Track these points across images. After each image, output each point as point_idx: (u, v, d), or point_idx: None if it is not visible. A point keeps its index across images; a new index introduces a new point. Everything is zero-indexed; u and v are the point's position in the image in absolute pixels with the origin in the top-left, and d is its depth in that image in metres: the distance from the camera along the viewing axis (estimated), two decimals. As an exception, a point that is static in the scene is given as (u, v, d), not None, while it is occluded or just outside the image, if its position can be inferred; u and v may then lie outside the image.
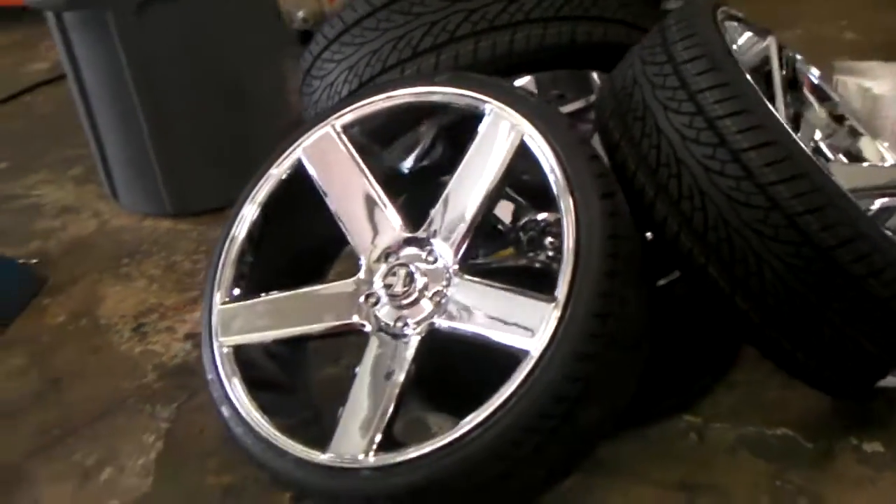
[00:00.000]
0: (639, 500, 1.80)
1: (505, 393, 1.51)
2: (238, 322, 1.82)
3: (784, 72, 1.97)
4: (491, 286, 1.66)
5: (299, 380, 1.91)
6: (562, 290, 1.54)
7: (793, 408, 1.85)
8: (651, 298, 1.67)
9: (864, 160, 2.10)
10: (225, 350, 1.79)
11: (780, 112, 1.74)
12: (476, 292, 1.67)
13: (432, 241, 1.75)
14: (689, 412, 1.95)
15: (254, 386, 1.76)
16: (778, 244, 1.55)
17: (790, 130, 1.57)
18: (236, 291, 1.86)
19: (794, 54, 2.09)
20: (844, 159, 2.05)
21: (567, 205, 1.61)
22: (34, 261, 2.61)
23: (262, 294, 1.85)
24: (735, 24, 1.91)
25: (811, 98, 2.13)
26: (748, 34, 1.96)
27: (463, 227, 1.72)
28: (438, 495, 1.57)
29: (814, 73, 2.14)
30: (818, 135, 2.10)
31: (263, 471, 1.67)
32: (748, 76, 1.60)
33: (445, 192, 1.75)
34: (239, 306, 1.84)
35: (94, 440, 2.07)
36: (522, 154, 1.69)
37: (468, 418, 1.52)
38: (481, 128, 1.74)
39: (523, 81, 2.12)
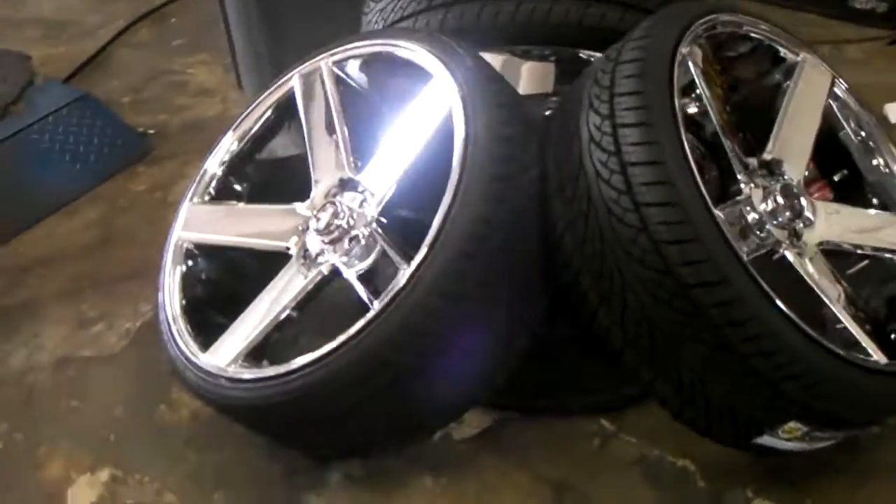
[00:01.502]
0: (512, 485, 1.80)
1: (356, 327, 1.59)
2: (199, 222, 1.97)
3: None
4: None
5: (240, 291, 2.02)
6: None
7: (707, 444, 1.76)
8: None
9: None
10: (179, 242, 1.95)
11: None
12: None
13: (364, 188, 1.81)
14: (608, 417, 1.90)
15: (191, 282, 1.92)
16: (643, 269, 1.49)
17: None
18: (209, 195, 2.01)
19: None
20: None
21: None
22: (151, 132, 2.87)
23: (231, 202, 2.00)
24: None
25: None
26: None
27: (386, 183, 1.77)
28: (268, 417, 1.69)
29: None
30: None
31: (166, 354, 1.83)
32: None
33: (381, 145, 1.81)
34: (205, 208, 1.99)
35: (106, 297, 2.31)
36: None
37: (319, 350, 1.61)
38: (425, 90, 1.77)
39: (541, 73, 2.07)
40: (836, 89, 1.90)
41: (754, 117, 1.85)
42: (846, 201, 1.86)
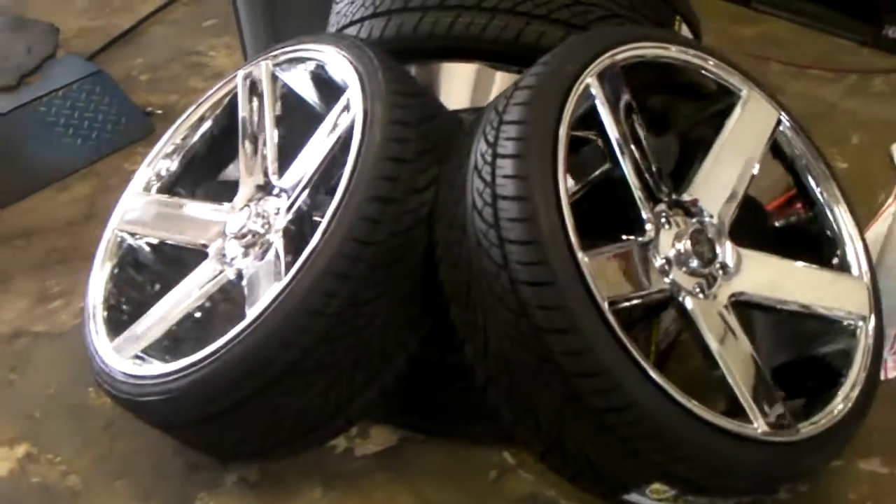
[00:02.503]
0: (385, 498, 1.79)
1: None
2: (135, 214, 1.99)
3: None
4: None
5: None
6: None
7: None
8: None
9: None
10: (112, 235, 1.98)
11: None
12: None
13: (283, 193, 1.80)
14: (513, 449, 1.85)
15: (120, 275, 1.95)
16: (502, 307, 1.44)
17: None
18: (150, 186, 2.03)
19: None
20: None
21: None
22: (158, 112, 2.92)
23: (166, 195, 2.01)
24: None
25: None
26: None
27: (296, 189, 1.76)
28: (149, 414, 1.73)
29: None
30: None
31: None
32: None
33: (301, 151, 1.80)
34: (145, 199, 2.01)
35: (71, 274, 2.36)
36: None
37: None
38: (340, 99, 1.76)
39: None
40: (782, 128, 1.79)
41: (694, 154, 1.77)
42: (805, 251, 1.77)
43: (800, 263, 1.71)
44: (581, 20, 1.85)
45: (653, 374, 1.40)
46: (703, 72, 1.76)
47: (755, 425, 1.47)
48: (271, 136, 1.88)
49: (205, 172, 2.08)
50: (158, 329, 1.78)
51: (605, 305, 1.41)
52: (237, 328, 1.59)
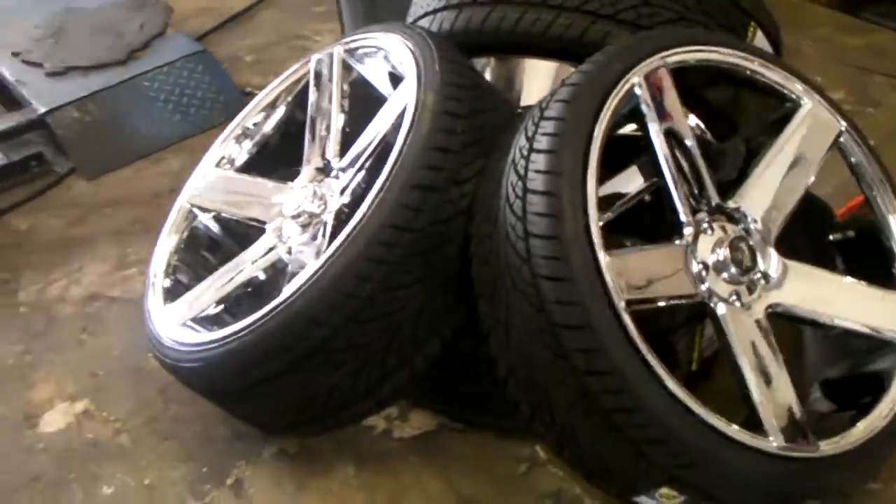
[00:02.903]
0: (422, 492, 1.81)
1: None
2: (205, 189, 2.07)
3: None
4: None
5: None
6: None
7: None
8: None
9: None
10: (181, 207, 2.06)
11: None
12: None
13: (341, 175, 1.84)
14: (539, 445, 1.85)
15: (184, 246, 2.03)
16: (524, 300, 1.45)
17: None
18: (225, 161, 2.10)
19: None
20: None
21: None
22: (256, 92, 2.97)
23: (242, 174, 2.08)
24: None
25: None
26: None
27: (352, 170, 1.80)
28: (190, 381, 1.79)
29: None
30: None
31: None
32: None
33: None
34: (215, 175, 2.08)
35: (151, 243, 2.37)
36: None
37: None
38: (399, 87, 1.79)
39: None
40: (843, 139, 1.74)
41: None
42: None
43: (848, 279, 1.66)
44: (648, 21, 1.83)
45: (666, 378, 1.38)
46: (762, 79, 1.72)
47: (771, 438, 1.44)
48: (335, 119, 1.92)
49: (281, 156, 2.13)
50: (207, 299, 1.84)
51: (622, 305, 1.40)
52: (272, 303, 1.63)
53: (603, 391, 1.38)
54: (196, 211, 2.04)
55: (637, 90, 1.57)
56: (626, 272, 1.44)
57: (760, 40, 1.97)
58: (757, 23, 1.95)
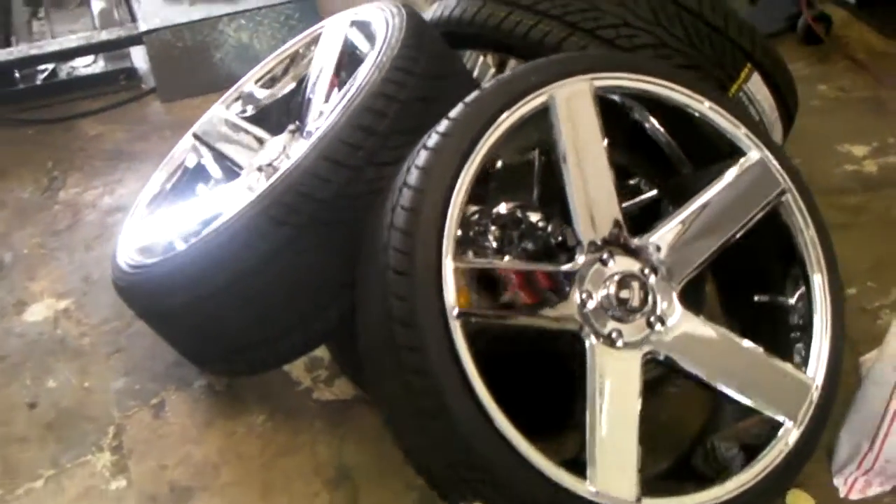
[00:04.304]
0: (310, 454, 1.87)
1: None
2: (210, 125, 2.19)
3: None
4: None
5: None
6: None
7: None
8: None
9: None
10: (185, 138, 2.19)
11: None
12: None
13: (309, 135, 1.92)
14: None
15: (178, 176, 2.17)
16: (377, 288, 1.48)
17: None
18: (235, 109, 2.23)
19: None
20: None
21: None
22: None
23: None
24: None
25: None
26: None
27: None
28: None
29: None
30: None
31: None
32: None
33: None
34: (222, 114, 2.20)
35: None
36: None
37: None
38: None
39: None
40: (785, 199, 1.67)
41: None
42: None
43: (748, 343, 1.60)
44: (626, 43, 1.80)
45: (480, 392, 1.39)
46: (709, 122, 1.66)
47: (587, 484, 1.42)
48: (322, 85, 1.98)
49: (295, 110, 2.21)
50: (166, 228, 1.95)
51: (453, 313, 1.41)
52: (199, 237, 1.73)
53: (421, 391, 1.40)
54: (197, 144, 2.16)
55: (554, 106, 1.56)
56: (470, 284, 1.45)
57: (757, 83, 1.90)
58: (755, 65, 1.88)
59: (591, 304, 1.51)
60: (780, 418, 1.56)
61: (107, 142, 2.79)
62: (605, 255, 1.54)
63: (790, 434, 1.55)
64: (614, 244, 1.57)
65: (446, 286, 1.42)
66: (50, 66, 3.12)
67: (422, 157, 1.50)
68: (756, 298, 1.77)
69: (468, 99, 1.54)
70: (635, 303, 1.53)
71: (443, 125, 1.52)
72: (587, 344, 1.50)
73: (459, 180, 1.47)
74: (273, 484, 1.80)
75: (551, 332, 1.54)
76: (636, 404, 1.49)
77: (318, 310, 1.71)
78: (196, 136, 2.17)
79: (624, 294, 1.53)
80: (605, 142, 1.58)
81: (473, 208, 1.65)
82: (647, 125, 1.74)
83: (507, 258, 1.62)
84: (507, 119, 1.53)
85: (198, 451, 1.88)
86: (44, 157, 2.74)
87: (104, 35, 3.05)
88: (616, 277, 1.53)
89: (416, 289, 1.42)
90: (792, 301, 1.70)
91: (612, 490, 1.43)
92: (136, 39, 3.03)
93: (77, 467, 1.86)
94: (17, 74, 3.09)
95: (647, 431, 1.47)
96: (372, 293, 1.50)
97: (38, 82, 3.08)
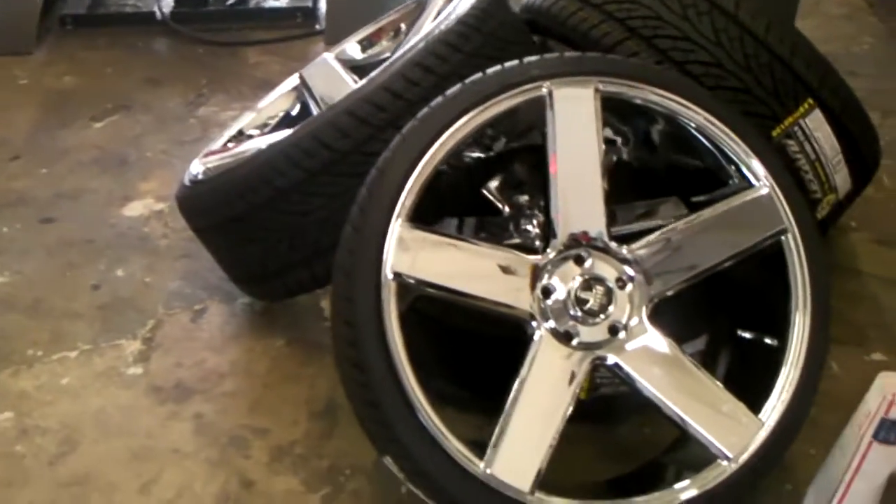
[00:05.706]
0: (313, 374, 1.98)
1: None
2: (315, 69, 2.33)
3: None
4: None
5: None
6: None
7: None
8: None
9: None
10: (293, 76, 2.34)
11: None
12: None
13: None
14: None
15: (271, 109, 2.33)
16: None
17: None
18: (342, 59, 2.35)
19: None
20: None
21: None
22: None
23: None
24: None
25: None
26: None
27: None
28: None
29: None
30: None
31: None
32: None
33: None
34: (329, 62, 2.33)
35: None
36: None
37: None
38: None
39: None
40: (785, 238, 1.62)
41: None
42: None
43: (704, 375, 1.57)
44: (680, 56, 1.79)
45: (393, 350, 1.45)
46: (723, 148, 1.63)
47: (482, 465, 1.45)
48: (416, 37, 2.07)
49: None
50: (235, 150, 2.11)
51: (388, 277, 1.47)
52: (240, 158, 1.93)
53: (346, 341, 1.49)
54: (299, 83, 2.30)
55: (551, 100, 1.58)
56: (424, 251, 1.51)
57: (817, 119, 1.83)
58: (818, 101, 1.81)
59: (551, 299, 1.53)
60: (716, 451, 1.53)
61: (261, 71, 3.00)
62: (583, 253, 1.56)
63: (723, 469, 1.52)
64: (594, 246, 1.58)
65: (387, 250, 1.48)
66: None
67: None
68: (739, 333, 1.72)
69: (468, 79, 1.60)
70: (594, 306, 1.54)
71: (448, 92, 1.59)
72: (536, 335, 1.52)
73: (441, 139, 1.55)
74: (264, 404, 1.92)
75: (503, 314, 1.57)
76: (564, 404, 1.50)
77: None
78: (301, 79, 2.30)
79: (584, 295, 1.54)
80: (602, 146, 1.60)
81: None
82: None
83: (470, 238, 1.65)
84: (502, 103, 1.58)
85: (213, 359, 2.03)
86: (200, 74, 2.98)
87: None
88: (582, 278, 1.54)
89: (357, 270, 1.50)
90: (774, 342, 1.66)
91: (507, 477, 1.45)
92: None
93: (109, 348, 2.06)
94: (212, -4, 3.34)
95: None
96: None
97: (226, 6, 3.32)
